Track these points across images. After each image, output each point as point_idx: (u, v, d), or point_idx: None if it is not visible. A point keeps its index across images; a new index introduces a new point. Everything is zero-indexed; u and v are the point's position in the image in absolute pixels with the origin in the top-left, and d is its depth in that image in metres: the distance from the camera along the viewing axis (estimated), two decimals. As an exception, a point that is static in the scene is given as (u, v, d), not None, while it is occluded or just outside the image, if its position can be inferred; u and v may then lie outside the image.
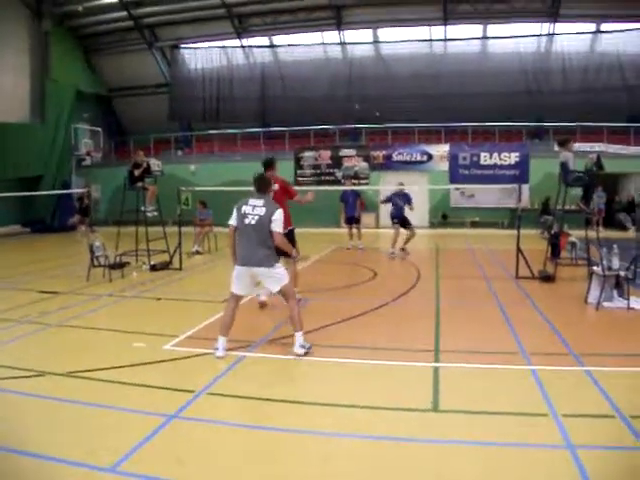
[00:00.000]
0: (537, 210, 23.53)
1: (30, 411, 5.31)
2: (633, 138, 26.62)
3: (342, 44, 30.99)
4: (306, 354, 6.69)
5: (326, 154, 29.22)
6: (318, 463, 4.30)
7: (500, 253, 16.59)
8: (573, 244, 13.86)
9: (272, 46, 32.02)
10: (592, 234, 11.36)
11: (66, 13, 29.94)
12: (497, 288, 11.31)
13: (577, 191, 12.71)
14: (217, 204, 16.98)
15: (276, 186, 8.94)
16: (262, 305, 9.29)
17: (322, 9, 29.17)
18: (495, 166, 27.43)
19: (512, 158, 27.31)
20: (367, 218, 23.99)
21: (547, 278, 11.70)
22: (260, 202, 6.77)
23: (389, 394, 5.65)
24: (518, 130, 28.96)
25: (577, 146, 19.20)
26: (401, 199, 16.33)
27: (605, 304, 9.24)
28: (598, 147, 24.66)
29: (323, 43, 31.36)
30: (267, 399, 5.50)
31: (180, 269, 13.70)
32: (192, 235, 17.33)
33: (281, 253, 7.78)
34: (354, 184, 26.21)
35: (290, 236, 8.82)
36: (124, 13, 29.85)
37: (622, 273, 9.40)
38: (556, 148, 24.11)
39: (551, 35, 28.86)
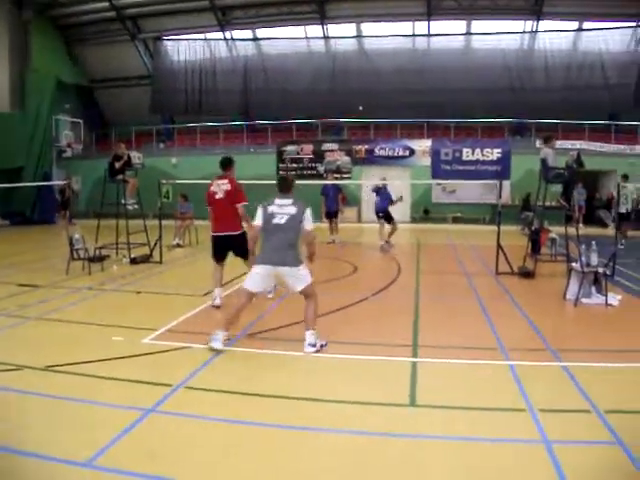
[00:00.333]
0: (518, 206, 23.66)
1: (6, 405, 5.25)
2: (614, 136, 26.88)
3: (325, 38, 30.97)
4: (317, 352, 6.67)
5: (308, 148, 29.25)
6: (293, 458, 4.29)
7: (481, 249, 16.68)
8: (553, 240, 13.95)
9: (255, 39, 31.94)
10: (572, 231, 11.44)
11: (47, 2, 29.53)
12: (477, 283, 11.38)
13: (557, 188, 12.79)
14: (198, 197, 16.73)
15: (229, 186, 8.89)
16: (217, 307, 8.96)
17: (306, 3, 29.13)
18: (477, 162, 27.62)
19: (494, 154, 27.52)
20: (349, 212, 24.05)
21: (527, 274, 11.78)
22: (288, 201, 6.79)
23: (366, 389, 5.65)
24: (500, 126, 29.18)
25: (559, 143, 19.32)
26: (386, 194, 16.90)
27: (583, 300, 9.31)
28: (579, 144, 24.83)
29: (306, 37, 31.34)
30: (245, 393, 5.48)
31: (160, 262, 13.63)
32: (173, 228, 17.23)
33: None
34: (336, 178, 26.23)
35: (242, 239, 8.70)
36: (106, 4, 29.57)
37: (600, 270, 9.48)
38: (538, 145, 24.41)
39: (534, 32, 29.05)
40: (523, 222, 21.18)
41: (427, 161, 28.13)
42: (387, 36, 30.24)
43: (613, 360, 6.42)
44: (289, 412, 5.13)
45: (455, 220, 27.40)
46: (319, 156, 29.04)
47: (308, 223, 6.75)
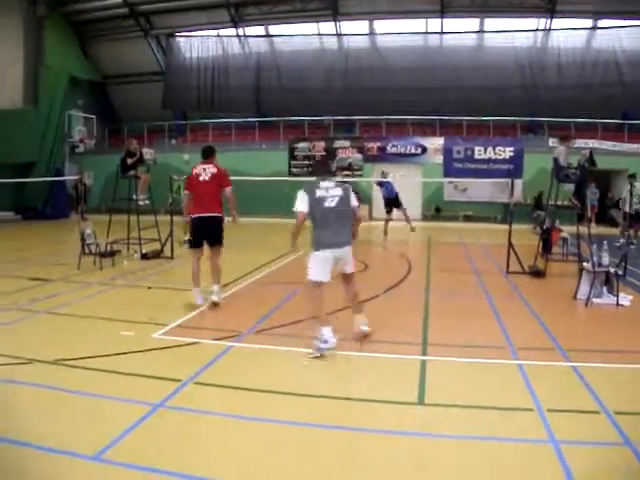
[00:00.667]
0: (530, 205, 23.52)
1: (16, 398, 5.29)
2: (627, 135, 26.67)
3: (338, 35, 30.91)
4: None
5: (320, 145, 29.21)
6: (301, 454, 4.30)
7: (492, 247, 16.63)
8: (565, 240, 13.88)
9: (268, 36, 31.92)
10: (583, 230, 11.37)
11: (61, -1, 29.67)
12: (487, 282, 11.33)
13: (570, 187, 12.72)
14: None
15: (215, 170, 8.94)
16: (215, 304, 8.82)
17: (319, -1, 29.06)
18: (489, 160, 27.50)
19: (506, 152, 27.37)
20: (360, 210, 23.98)
21: (537, 273, 11.73)
22: (332, 184, 6.89)
23: (376, 386, 5.65)
24: (513, 125, 28.97)
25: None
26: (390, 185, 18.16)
27: (594, 300, 9.26)
28: (592, 143, 24.67)
29: (319, 34, 31.27)
30: (254, 389, 5.49)
31: (171, 258, 13.67)
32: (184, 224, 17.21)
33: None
34: (347, 175, 26.22)
35: (222, 223, 8.95)
36: (120, 0, 29.65)
37: (612, 270, 9.42)
38: (551, 143, 24.31)
39: (548, 30, 28.85)
40: (535, 221, 21.08)
41: (439, 159, 28.04)
42: (400, 33, 30.14)
43: (623, 361, 6.38)
44: (298, 409, 5.13)
45: (466, 218, 27.31)
46: (331, 153, 29.00)
47: (355, 202, 7.03)
